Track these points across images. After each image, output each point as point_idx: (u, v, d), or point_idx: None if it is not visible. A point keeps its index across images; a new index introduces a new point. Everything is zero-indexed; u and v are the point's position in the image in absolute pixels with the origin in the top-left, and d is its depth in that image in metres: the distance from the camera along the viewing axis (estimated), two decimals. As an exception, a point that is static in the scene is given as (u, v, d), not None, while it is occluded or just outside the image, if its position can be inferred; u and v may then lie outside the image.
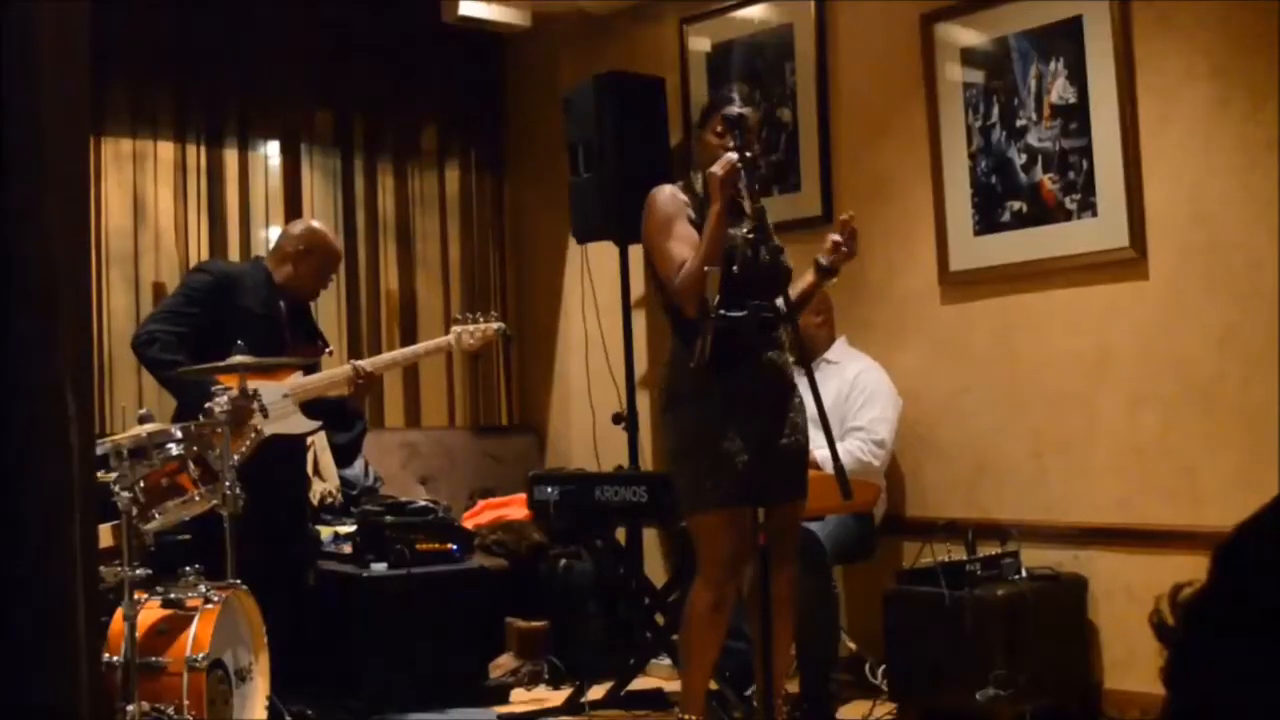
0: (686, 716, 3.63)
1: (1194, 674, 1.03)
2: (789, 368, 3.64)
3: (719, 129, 3.58)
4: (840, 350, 4.75)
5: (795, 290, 3.66)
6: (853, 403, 4.55)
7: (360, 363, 4.46)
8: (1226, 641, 1.01)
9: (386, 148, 6.16)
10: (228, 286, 4.40)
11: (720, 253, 3.42)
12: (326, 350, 4.56)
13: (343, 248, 4.79)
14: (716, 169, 3.43)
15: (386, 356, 4.69)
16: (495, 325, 4.53)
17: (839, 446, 4.26)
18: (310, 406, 4.38)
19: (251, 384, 3.94)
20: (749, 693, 4.21)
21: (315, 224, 4.74)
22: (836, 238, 3.60)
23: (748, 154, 3.44)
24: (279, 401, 4.23)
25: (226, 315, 4.29)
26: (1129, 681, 4.18)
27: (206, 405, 3.98)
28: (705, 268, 3.30)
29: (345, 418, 4.64)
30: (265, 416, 4.07)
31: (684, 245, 3.53)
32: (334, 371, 4.46)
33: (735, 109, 3.57)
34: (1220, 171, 4.10)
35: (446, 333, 4.64)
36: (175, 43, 5.51)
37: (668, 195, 3.64)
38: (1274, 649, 0.97)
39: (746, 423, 3.44)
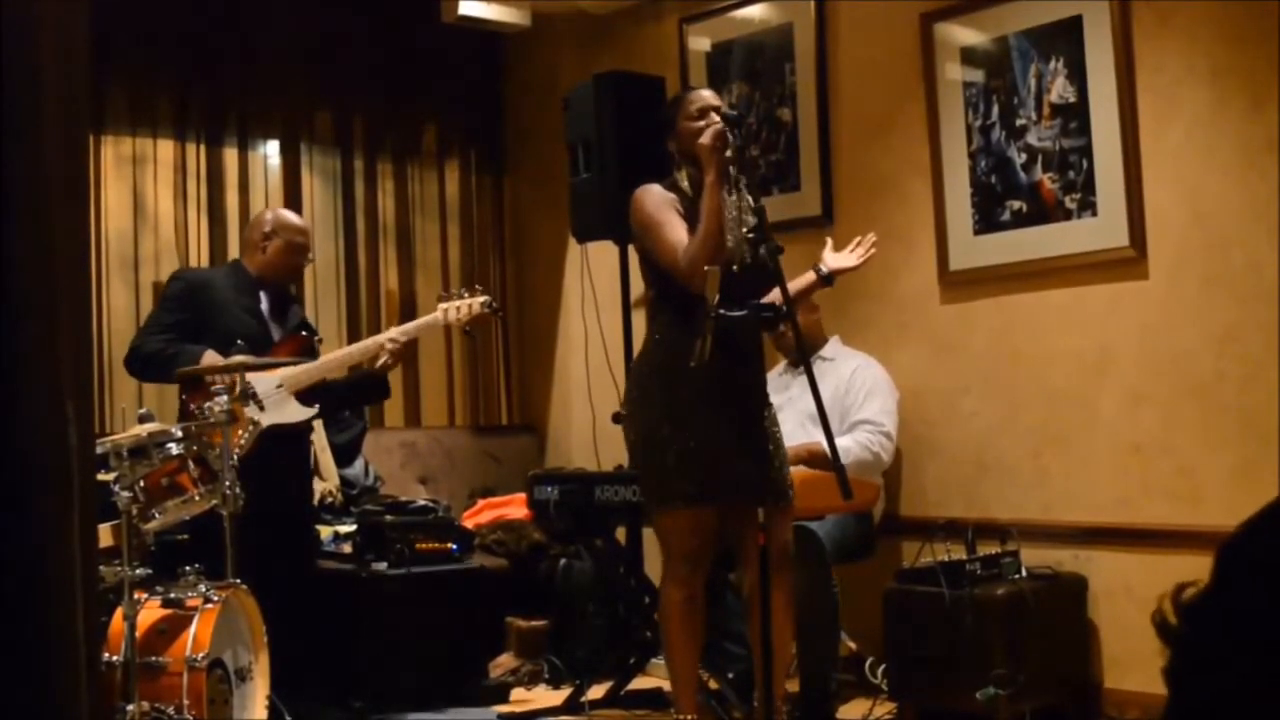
0: (682, 716, 3.63)
1: (1196, 674, 1.03)
2: (763, 371, 3.66)
3: (694, 112, 3.59)
4: (834, 348, 4.75)
5: (792, 288, 3.69)
6: (853, 397, 4.55)
7: (390, 332, 4.53)
8: (1229, 642, 1.00)
9: (386, 147, 6.16)
10: (201, 288, 4.45)
11: (721, 223, 3.42)
12: (316, 339, 4.57)
13: (310, 227, 4.76)
14: (705, 138, 3.45)
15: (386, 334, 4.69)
16: (480, 299, 4.51)
17: (845, 438, 4.29)
18: (310, 394, 4.40)
19: (234, 389, 3.96)
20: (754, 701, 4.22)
21: (279, 209, 4.82)
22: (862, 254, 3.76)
23: (736, 114, 3.50)
24: (273, 393, 4.27)
25: (206, 315, 4.36)
26: (1129, 681, 4.18)
27: (206, 405, 3.99)
28: (706, 267, 3.30)
29: (370, 390, 4.68)
30: (261, 409, 4.10)
31: (678, 230, 3.53)
32: (363, 344, 4.53)
33: (702, 103, 3.61)
34: (1220, 171, 4.10)
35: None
36: (175, 43, 5.51)
37: (650, 191, 3.65)
38: (1277, 650, 0.97)
39: (717, 422, 3.45)
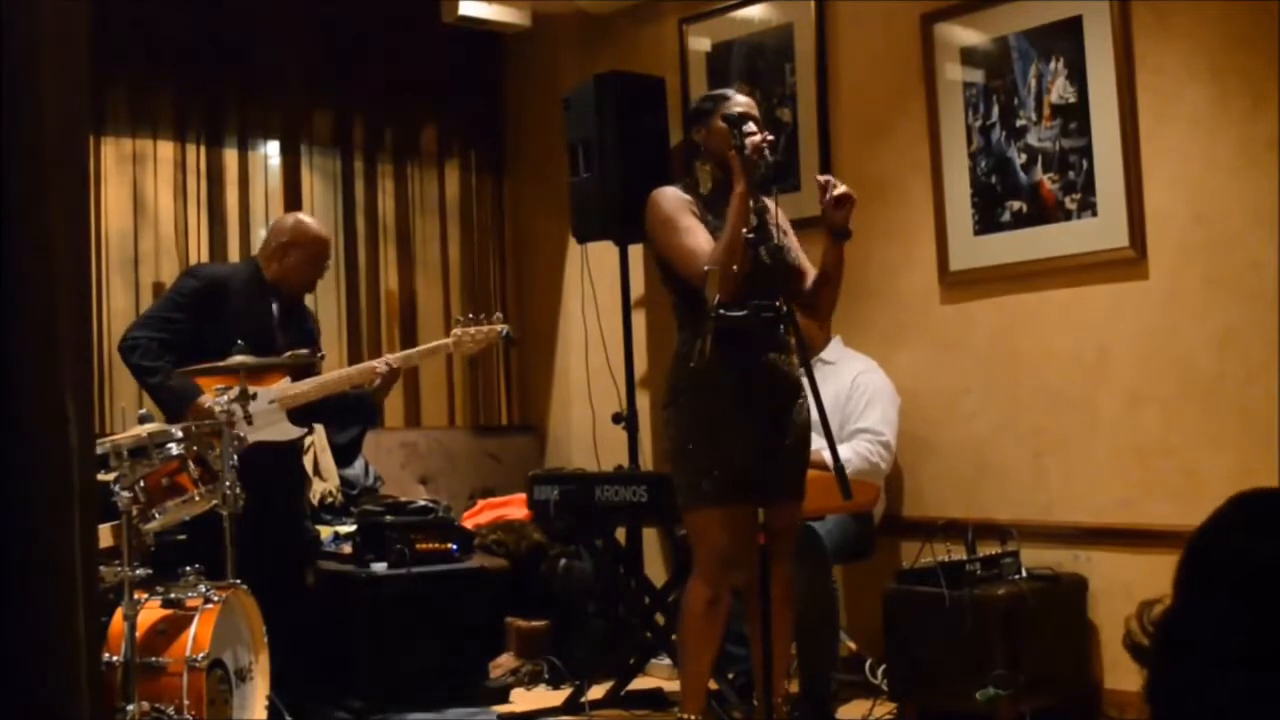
0: (686, 715, 3.63)
1: (1173, 693, 1.03)
2: (793, 369, 3.64)
3: (734, 115, 3.57)
4: (836, 350, 4.74)
5: (819, 265, 3.64)
6: (854, 404, 4.54)
7: (385, 358, 4.48)
8: (1202, 659, 1.00)
9: (386, 148, 6.16)
10: (216, 291, 4.38)
11: (742, 234, 3.40)
12: (319, 355, 4.52)
13: (331, 239, 4.65)
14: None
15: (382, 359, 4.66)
16: (498, 327, 4.50)
17: (844, 448, 4.28)
18: (314, 407, 4.38)
19: (235, 388, 3.90)
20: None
21: (301, 216, 4.69)
22: (827, 196, 3.54)
23: (770, 137, 3.46)
24: (265, 409, 4.20)
25: (214, 320, 4.27)
26: (1129, 681, 4.17)
27: (207, 406, 3.98)
28: (705, 268, 3.29)
29: (361, 414, 4.66)
30: (250, 424, 3.96)
31: (696, 236, 3.53)
32: (356, 368, 4.49)
33: (742, 108, 3.58)
34: (1220, 171, 4.10)
35: (447, 334, 4.62)
36: (175, 43, 5.51)
37: (666, 194, 3.64)
38: (1245, 664, 0.96)
39: (747, 422, 3.44)
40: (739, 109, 3.58)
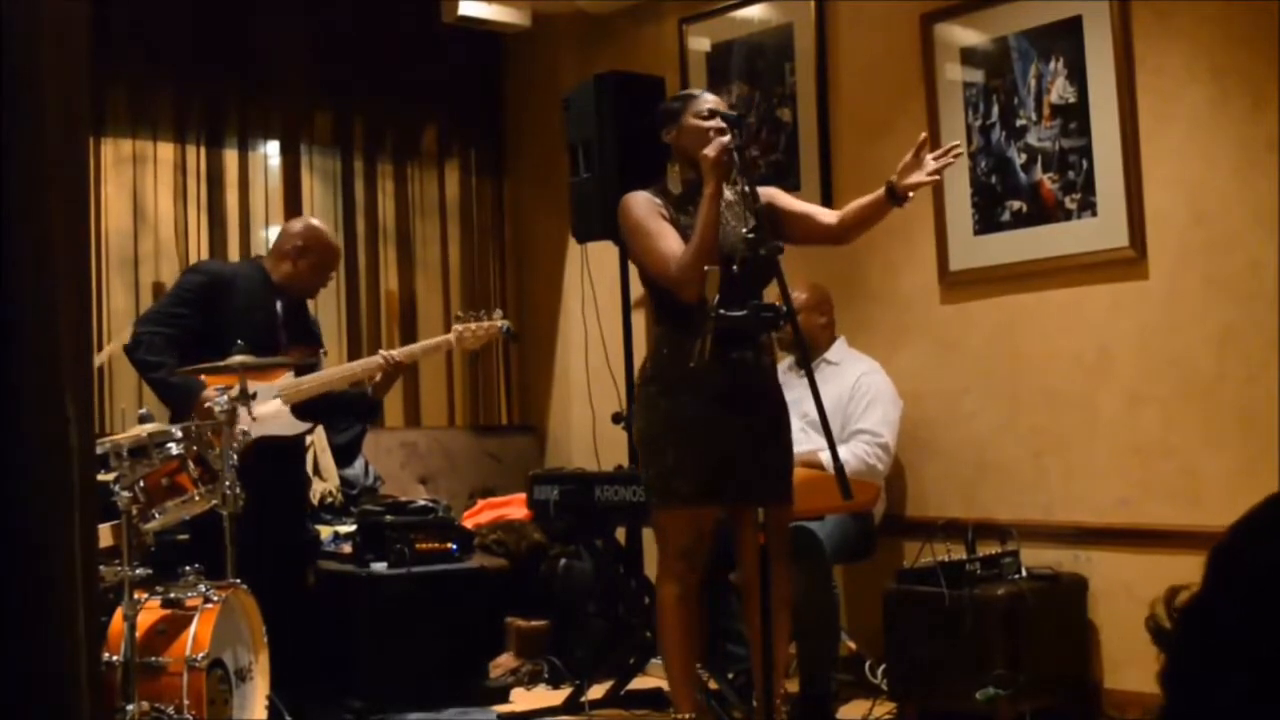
0: (681, 716, 3.63)
1: (1191, 681, 1.02)
2: (773, 370, 3.64)
3: (705, 111, 3.58)
4: (840, 351, 4.74)
5: (858, 204, 3.63)
6: (855, 405, 4.54)
7: (388, 352, 4.44)
8: (1222, 649, 1.00)
9: (386, 148, 6.16)
10: (221, 287, 4.37)
11: (715, 235, 3.42)
12: (321, 351, 4.52)
13: (341, 246, 4.72)
14: (710, 150, 3.43)
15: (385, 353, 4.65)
16: (499, 323, 4.49)
17: (843, 449, 4.27)
18: (314, 403, 4.37)
19: (235, 387, 3.89)
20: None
21: (314, 221, 4.69)
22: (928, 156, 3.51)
23: (737, 114, 3.47)
24: (269, 403, 4.20)
25: (219, 316, 4.27)
26: (1129, 681, 4.18)
27: (206, 405, 3.98)
28: (705, 267, 3.30)
29: (360, 410, 4.64)
30: (254, 419, 3.97)
31: (665, 239, 3.53)
32: (359, 363, 4.47)
33: (711, 105, 3.59)
34: (1220, 171, 4.10)
35: (448, 332, 4.61)
36: (175, 43, 5.51)
37: (637, 199, 3.64)
38: (1270, 653, 0.96)
39: (720, 423, 3.45)
40: (710, 105, 3.59)
